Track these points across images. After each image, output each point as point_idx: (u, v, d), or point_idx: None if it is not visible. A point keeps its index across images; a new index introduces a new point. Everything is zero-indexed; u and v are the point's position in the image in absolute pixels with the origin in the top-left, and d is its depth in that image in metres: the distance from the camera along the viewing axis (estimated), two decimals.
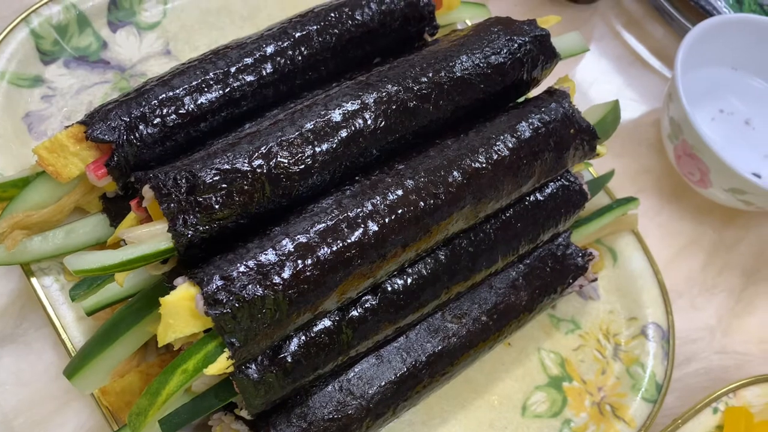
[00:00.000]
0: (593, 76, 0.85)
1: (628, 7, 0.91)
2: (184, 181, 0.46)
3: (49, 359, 0.57)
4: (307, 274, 0.45)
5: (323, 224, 0.47)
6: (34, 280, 0.56)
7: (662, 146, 0.80)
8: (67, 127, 0.53)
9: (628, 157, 0.79)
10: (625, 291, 0.69)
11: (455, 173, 0.51)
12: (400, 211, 0.48)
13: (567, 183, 0.60)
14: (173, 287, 0.45)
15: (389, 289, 0.52)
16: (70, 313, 0.56)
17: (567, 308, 0.68)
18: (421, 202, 0.49)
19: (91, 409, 0.55)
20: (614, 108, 0.64)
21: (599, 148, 0.60)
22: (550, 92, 0.59)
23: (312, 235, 0.46)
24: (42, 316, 0.57)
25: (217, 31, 0.73)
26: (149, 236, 0.46)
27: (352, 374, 0.53)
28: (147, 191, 0.47)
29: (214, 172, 0.46)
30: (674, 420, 0.59)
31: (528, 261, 0.60)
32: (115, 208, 0.56)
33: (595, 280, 0.65)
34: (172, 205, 0.45)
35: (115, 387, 0.53)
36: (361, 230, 0.47)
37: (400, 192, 0.49)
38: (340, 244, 0.46)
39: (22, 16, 0.65)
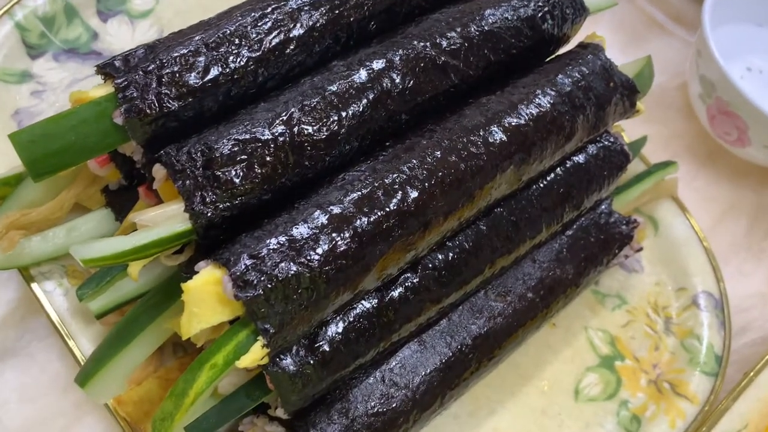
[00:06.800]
0: (609, 42, 0.81)
1: None
2: (199, 154, 0.41)
3: (56, 371, 0.51)
4: (344, 248, 0.41)
5: (357, 193, 0.42)
6: (35, 285, 0.51)
7: (691, 110, 0.75)
8: None
9: (657, 123, 0.75)
10: (669, 260, 0.64)
11: (495, 130, 0.46)
12: (440, 174, 0.44)
13: (608, 143, 0.56)
14: (194, 273, 0.40)
15: (430, 265, 0.47)
16: (77, 319, 0.51)
17: (611, 283, 0.63)
18: (462, 164, 0.45)
19: (106, 422, 0.50)
20: (648, 63, 0.60)
21: (638, 105, 0.56)
22: (584, 46, 0.55)
23: (346, 204, 0.41)
24: (45, 325, 0.51)
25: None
26: (164, 218, 0.41)
27: (394, 363, 0.48)
28: (158, 170, 0.42)
29: (231, 143, 0.42)
30: (745, 373, 0.55)
31: (571, 232, 0.56)
32: (119, 201, 0.51)
33: (641, 249, 0.60)
34: (188, 181, 0.41)
35: (132, 396, 0.48)
36: (399, 197, 0.42)
37: (438, 153, 0.44)
38: (378, 214, 0.42)
39: (6, 8, 0.60)
